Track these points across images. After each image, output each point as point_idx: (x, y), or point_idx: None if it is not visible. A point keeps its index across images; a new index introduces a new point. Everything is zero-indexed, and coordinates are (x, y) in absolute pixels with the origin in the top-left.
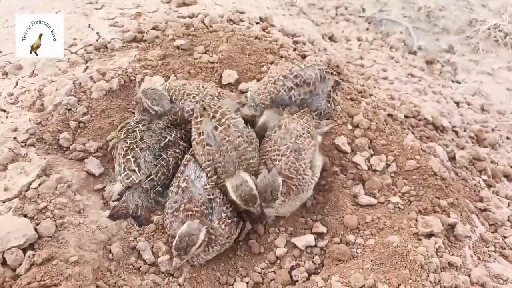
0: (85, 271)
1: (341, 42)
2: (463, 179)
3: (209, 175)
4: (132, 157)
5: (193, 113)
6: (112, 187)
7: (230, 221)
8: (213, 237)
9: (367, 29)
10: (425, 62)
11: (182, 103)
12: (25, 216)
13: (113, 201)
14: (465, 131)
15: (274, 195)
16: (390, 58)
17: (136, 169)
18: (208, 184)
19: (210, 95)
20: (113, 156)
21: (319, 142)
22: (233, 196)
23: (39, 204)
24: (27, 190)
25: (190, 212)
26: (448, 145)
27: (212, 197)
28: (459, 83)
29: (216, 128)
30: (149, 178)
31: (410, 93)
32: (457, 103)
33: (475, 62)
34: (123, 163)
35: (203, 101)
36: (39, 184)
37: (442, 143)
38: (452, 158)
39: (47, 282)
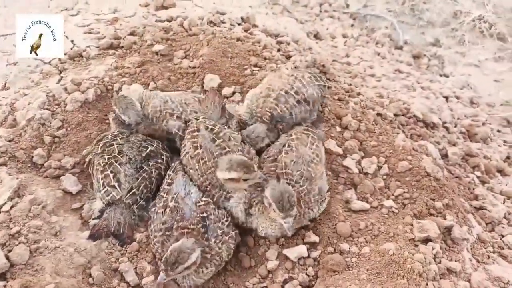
0: None
1: (326, 39)
2: (456, 177)
3: (202, 189)
4: (111, 172)
5: (179, 132)
6: (92, 205)
7: (227, 237)
8: (209, 256)
9: (352, 25)
10: (412, 56)
11: (165, 124)
12: None
13: (93, 219)
14: (455, 126)
15: (292, 201)
16: (377, 54)
17: (116, 184)
18: (201, 201)
19: (195, 112)
20: (91, 172)
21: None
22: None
23: (11, 228)
24: None
25: (186, 230)
26: (440, 142)
27: (205, 214)
28: (447, 76)
29: (214, 140)
30: (131, 193)
31: (398, 90)
32: (446, 98)
33: (461, 54)
34: (102, 179)
35: (186, 121)
36: (11, 207)
37: (433, 140)
38: (444, 156)
39: None
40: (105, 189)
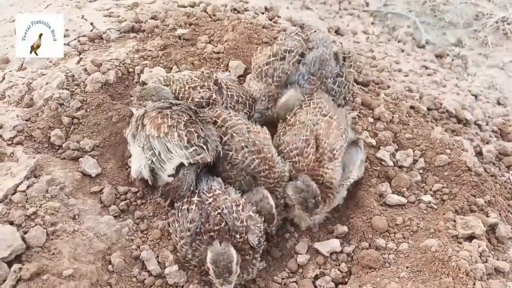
0: (81, 286)
1: (347, 35)
2: (492, 176)
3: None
4: (199, 129)
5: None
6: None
7: (246, 225)
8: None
9: (373, 23)
10: (435, 56)
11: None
12: (11, 223)
13: (168, 176)
14: (487, 124)
15: (318, 201)
16: (401, 51)
17: (204, 147)
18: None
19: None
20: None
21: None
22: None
23: (27, 209)
24: (13, 194)
25: (212, 234)
26: (473, 139)
27: (219, 210)
28: (473, 76)
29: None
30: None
31: (427, 86)
32: (475, 96)
33: (484, 56)
34: (186, 135)
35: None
36: (28, 187)
37: (466, 137)
38: (478, 153)
39: None
40: (193, 148)
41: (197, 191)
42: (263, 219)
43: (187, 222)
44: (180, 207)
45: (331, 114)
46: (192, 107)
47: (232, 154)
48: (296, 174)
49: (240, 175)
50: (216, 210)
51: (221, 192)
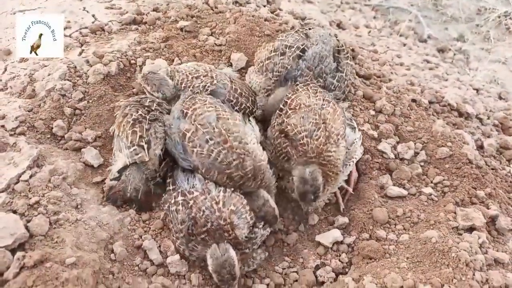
0: (84, 274)
1: (349, 29)
2: (492, 169)
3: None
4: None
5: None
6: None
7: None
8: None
9: (375, 17)
10: (437, 50)
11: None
12: (14, 212)
13: (110, 180)
14: (488, 118)
15: (316, 196)
16: (403, 45)
17: (145, 146)
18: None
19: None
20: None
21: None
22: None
23: (30, 198)
24: (16, 183)
25: (203, 236)
26: (474, 133)
27: (194, 213)
28: (475, 71)
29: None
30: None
31: (429, 79)
32: (477, 90)
33: (486, 51)
34: (130, 135)
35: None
36: (30, 176)
37: (468, 130)
38: (479, 147)
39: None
40: (134, 148)
41: (180, 190)
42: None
43: (178, 224)
44: (170, 209)
45: (334, 102)
46: (146, 104)
47: (197, 150)
48: (307, 160)
49: (214, 175)
50: (199, 212)
51: (200, 192)
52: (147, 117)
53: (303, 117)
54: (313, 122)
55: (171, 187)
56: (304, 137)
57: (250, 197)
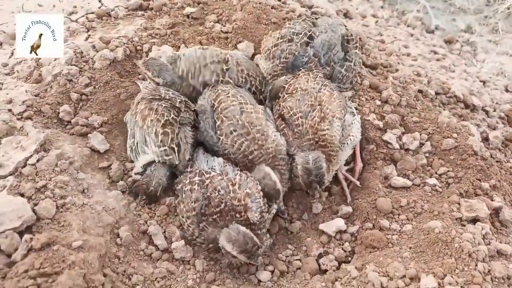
0: (90, 257)
1: (356, 18)
2: (497, 161)
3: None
4: (174, 132)
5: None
6: (142, 157)
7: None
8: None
9: (382, 7)
10: (444, 41)
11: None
12: (22, 195)
13: (135, 173)
14: (494, 110)
15: (321, 184)
16: (410, 36)
17: (176, 148)
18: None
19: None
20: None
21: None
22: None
23: (37, 182)
24: (23, 167)
25: (215, 216)
26: (480, 125)
27: (208, 193)
28: (482, 63)
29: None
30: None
31: (436, 70)
32: (484, 82)
33: (494, 43)
34: (161, 134)
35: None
36: (37, 160)
37: (473, 122)
38: (485, 139)
39: (47, 269)
40: (164, 148)
41: (197, 171)
42: (262, 195)
43: (192, 202)
44: (183, 189)
45: (332, 87)
46: (177, 105)
47: (223, 139)
48: (306, 143)
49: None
50: (214, 192)
51: (217, 173)
52: (178, 119)
53: (299, 100)
54: (308, 104)
55: (188, 169)
56: (299, 118)
57: (252, 171)
